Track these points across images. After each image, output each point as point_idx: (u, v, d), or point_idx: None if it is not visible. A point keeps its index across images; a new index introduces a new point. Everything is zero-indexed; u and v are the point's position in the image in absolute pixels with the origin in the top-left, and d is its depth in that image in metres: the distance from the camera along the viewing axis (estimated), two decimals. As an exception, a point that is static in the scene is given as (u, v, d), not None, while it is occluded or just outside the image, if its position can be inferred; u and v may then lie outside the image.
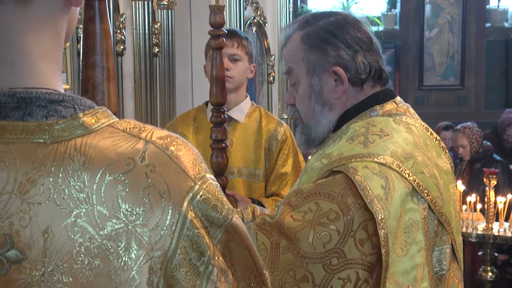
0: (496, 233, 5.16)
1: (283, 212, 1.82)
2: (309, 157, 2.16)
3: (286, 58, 2.07)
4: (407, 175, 1.79)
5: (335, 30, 1.96)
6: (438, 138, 2.00)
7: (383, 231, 1.71)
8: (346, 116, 1.99)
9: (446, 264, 1.89)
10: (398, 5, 10.20)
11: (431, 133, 1.98)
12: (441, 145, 2.00)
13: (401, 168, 1.79)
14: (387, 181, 1.76)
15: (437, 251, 1.87)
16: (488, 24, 10.21)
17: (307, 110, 2.03)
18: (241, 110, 3.24)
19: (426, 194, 1.81)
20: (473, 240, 5.18)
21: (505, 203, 5.17)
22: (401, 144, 1.84)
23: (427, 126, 1.98)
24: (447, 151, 2.02)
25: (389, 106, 1.98)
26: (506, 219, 5.22)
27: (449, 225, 1.88)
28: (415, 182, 1.80)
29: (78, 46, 3.33)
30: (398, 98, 2.03)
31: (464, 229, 5.06)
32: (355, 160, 1.80)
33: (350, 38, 1.95)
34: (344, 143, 1.89)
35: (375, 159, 1.79)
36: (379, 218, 1.71)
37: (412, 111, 2.01)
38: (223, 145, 2.61)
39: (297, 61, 2.01)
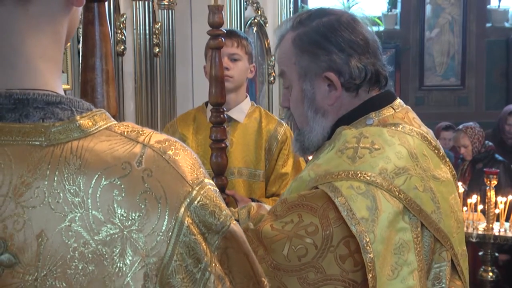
0: (497, 233, 5.15)
1: (265, 219, 1.77)
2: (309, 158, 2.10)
3: (278, 60, 2.00)
4: (397, 193, 1.70)
5: (328, 32, 1.86)
6: (438, 146, 1.89)
7: (368, 255, 1.62)
8: (340, 123, 1.90)
9: (446, 282, 1.80)
10: (399, 5, 10.19)
11: (429, 142, 1.86)
12: (441, 154, 1.89)
13: (390, 187, 1.70)
14: (374, 201, 1.68)
15: (436, 268, 1.79)
16: (488, 24, 10.21)
17: (300, 115, 1.95)
18: (241, 110, 3.23)
19: (417, 212, 1.72)
20: (474, 240, 5.17)
21: (505, 203, 5.16)
22: (393, 159, 1.74)
23: (425, 134, 1.87)
24: (447, 160, 1.92)
25: (386, 112, 1.88)
26: (507, 219, 5.22)
27: (448, 240, 1.79)
28: (406, 200, 1.71)
29: (79, 46, 3.32)
30: (397, 102, 1.93)
31: (464, 229, 5.04)
32: (340, 178, 1.71)
33: (343, 41, 1.85)
34: (333, 155, 1.80)
35: (362, 177, 1.70)
36: (364, 241, 1.63)
37: (411, 116, 1.91)
38: (223, 145, 2.60)
39: (289, 64, 1.92)
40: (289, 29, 1.94)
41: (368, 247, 1.63)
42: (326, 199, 1.69)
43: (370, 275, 1.63)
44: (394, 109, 1.90)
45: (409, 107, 1.96)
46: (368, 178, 1.70)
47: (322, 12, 1.94)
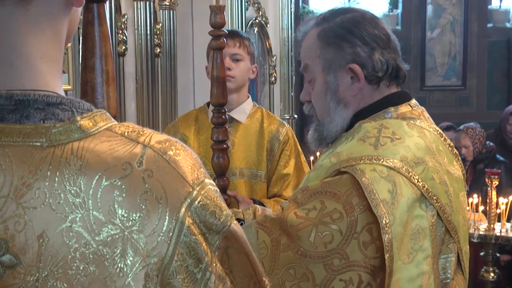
0: (498, 234, 5.14)
1: (288, 208, 1.80)
2: (317, 154, 2.14)
3: (302, 55, 2.05)
4: (416, 181, 1.76)
5: (352, 26, 1.93)
6: (452, 144, 1.97)
7: (387, 236, 1.68)
8: (360, 115, 1.96)
9: (451, 272, 1.86)
10: (400, 5, 10.20)
11: (444, 139, 1.94)
12: (454, 152, 1.96)
13: (410, 174, 1.77)
14: (395, 186, 1.74)
15: (443, 258, 1.84)
16: (490, 25, 10.21)
17: (322, 107, 2.01)
18: (243, 110, 3.23)
19: (435, 201, 1.78)
20: (475, 240, 5.16)
21: (507, 203, 5.16)
22: (412, 149, 1.81)
23: (441, 131, 1.95)
24: (459, 158, 1.99)
25: (403, 108, 1.96)
26: (508, 220, 5.21)
27: (456, 234, 1.85)
28: (424, 188, 1.77)
29: (80, 47, 3.32)
30: (413, 101, 2.00)
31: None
32: (363, 162, 1.77)
33: (367, 35, 1.93)
34: (354, 143, 1.87)
35: (384, 162, 1.76)
36: (384, 222, 1.68)
37: (426, 115, 1.99)
38: (224, 146, 2.60)
39: (313, 58, 1.99)
40: (313, 25, 2.02)
41: (387, 228, 1.69)
42: (349, 185, 1.75)
43: (387, 255, 1.69)
44: (411, 107, 1.98)
45: (423, 108, 2.03)
46: (391, 163, 1.77)
47: (345, 10, 2.04)
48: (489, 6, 10.28)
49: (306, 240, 1.73)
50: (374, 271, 1.72)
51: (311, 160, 4.71)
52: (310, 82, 2.04)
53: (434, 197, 1.79)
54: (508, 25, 10.23)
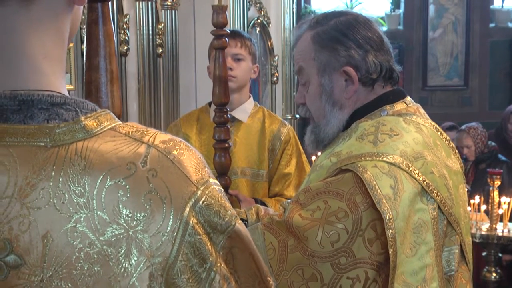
0: (500, 234, 5.14)
1: (291, 210, 1.81)
2: (318, 154, 2.15)
3: (296, 57, 2.07)
4: (416, 175, 1.79)
5: (346, 29, 1.95)
6: (448, 138, 1.99)
7: (390, 231, 1.70)
8: (356, 115, 1.98)
9: (455, 264, 1.88)
10: (402, 5, 10.17)
11: (441, 133, 1.97)
12: (451, 145, 1.99)
13: (410, 168, 1.79)
14: (396, 181, 1.76)
15: (446, 251, 1.86)
16: (492, 25, 10.18)
17: (318, 109, 2.03)
18: (245, 110, 3.24)
19: (435, 194, 1.81)
20: (477, 240, 5.15)
21: (509, 203, 5.15)
22: (411, 144, 1.84)
23: (437, 126, 1.97)
24: (456, 151, 2.02)
25: (399, 106, 1.98)
26: (510, 220, 5.20)
27: (458, 226, 1.88)
28: (425, 182, 1.79)
29: (82, 47, 3.33)
30: (408, 98, 2.03)
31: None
32: (364, 159, 1.79)
33: (361, 37, 1.94)
34: (353, 141, 1.88)
35: (385, 159, 1.79)
36: (387, 218, 1.70)
37: (422, 111, 2.01)
38: (226, 145, 2.60)
39: (307, 60, 2.00)
40: (307, 29, 2.03)
41: (390, 223, 1.71)
42: (352, 183, 1.77)
43: (391, 250, 1.71)
44: (406, 104, 2.00)
45: (419, 105, 2.05)
46: (391, 159, 1.79)
47: (338, 13, 2.05)
48: (491, 6, 10.25)
49: (313, 241, 1.74)
50: (380, 267, 1.74)
51: (313, 160, 4.72)
52: (304, 84, 2.05)
53: (435, 191, 1.81)
54: (510, 25, 10.21)
